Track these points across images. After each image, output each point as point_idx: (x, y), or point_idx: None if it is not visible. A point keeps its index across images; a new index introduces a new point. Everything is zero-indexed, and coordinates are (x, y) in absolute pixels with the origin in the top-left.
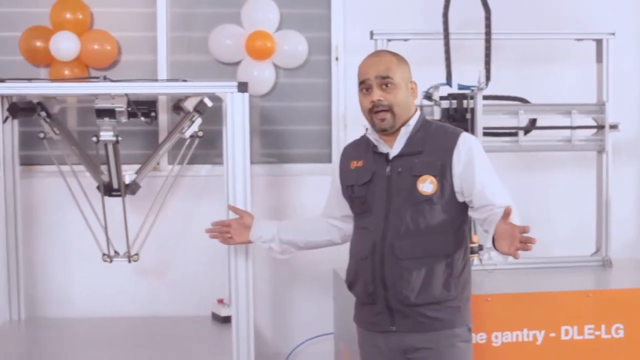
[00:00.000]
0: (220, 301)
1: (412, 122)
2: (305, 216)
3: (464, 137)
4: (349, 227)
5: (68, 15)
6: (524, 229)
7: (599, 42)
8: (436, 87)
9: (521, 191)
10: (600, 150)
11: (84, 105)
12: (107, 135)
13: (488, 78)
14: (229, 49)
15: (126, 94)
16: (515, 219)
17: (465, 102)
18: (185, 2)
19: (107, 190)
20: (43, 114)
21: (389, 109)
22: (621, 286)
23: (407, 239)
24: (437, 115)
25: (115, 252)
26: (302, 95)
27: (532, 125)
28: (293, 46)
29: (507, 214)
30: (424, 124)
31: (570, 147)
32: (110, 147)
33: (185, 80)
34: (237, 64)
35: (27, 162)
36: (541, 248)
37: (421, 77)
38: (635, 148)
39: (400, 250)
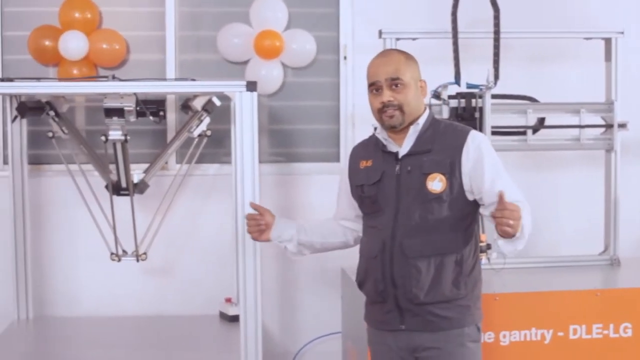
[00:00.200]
0: (228, 300)
1: (421, 121)
2: (316, 216)
3: (473, 135)
4: (361, 228)
5: (77, 15)
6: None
7: (607, 41)
8: (445, 86)
9: (529, 190)
10: (609, 149)
11: (93, 104)
12: (115, 134)
13: (496, 77)
14: (238, 48)
15: (135, 93)
16: (526, 217)
17: (473, 101)
18: (193, 1)
19: (116, 189)
20: (52, 113)
21: (399, 108)
22: (629, 285)
23: (416, 238)
24: (445, 114)
25: (124, 251)
26: (310, 95)
27: (540, 124)
28: (301, 45)
29: (501, 198)
30: (433, 123)
31: (579, 146)
32: (118, 146)
33: (193, 80)
34: (245, 63)
35: (36, 161)
36: (549, 247)
37: (430, 76)
38: None
39: (410, 249)
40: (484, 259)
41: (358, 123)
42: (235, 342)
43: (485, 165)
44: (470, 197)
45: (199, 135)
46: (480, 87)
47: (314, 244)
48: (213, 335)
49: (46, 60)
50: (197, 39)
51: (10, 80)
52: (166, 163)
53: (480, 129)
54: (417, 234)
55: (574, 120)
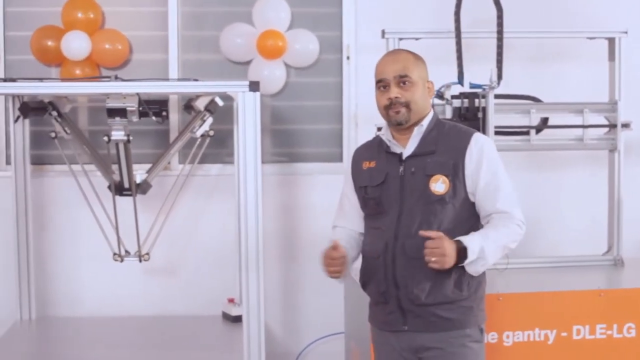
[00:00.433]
0: (231, 300)
1: (426, 122)
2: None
3: (476, 137)
4: None
5: (79, 15)
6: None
7: (611, 41)
8: (448, 86)
9: (533, 190)
10: (612, 149)
11: (95, 104)
12: (118, 134)
13: (500, 77)
14: (240, 48)
15: (137, 94)
16: (492, 238)
17: (476, 101)
18: (196, 1)
19: (118, 189)
20: (54, 113)
21: (406, 105)
22: (633, 285)
23: (418, 238)
24: (448, 114)
25: (126, 251)
26: (313, 94)
27: (543, 124)
28: (304, 45)
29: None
30: (437, 124)
31: (582, 146)
32: (121, 147)
33: (196, 80)
34: (248, 63)
35: (38, 161)
36: (553, 247)
37: (433, 76)
38: None
39: (412, 250)
40: None
41: (361, 123)
42: (238, 343)
43: (483, 165)
44: (472, 199)
45: (202, 136)
46: (484, 87)
47: (352, 259)
48: (216, 335)
49: (49, 60)
50: (199, 39)
51: (13, 80)
52: (169, 163)
53: (484, 129)
54: (420, 235)
55: (577, 120)
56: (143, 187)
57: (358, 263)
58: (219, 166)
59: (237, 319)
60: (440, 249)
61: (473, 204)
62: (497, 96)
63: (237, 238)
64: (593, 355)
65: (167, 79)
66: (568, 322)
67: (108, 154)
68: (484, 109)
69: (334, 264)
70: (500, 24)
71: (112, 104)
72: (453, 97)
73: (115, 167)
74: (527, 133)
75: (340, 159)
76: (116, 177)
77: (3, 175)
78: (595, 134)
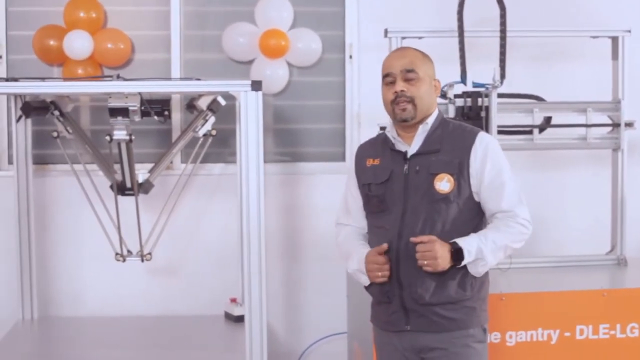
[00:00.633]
0: (233, 300)
1: (431, 121)
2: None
3: (481, 137)
4: None
5: (82, 14)
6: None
7: (614, 40)
8: (451, 85)
9: (536, 190)
10: (616, 148)
11: (98, 104)
12: (120, 134)
13: (503, 76)
14: (243, 47)
15: (139, 93)
16: (491, 239)
17: (479, 100)
18: (198, 1)
19: (120, 189)
20: (56, 112)
21: (411, 101)
22: (636, 285)
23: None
24: (451, 113)
25: (128, 251)
26: (315, 94)
27: (547, 123)
28: (307, 44)
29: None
30: (442, 123)
31: (586, 145)
32: (123, 146)
33: (198, 79)
34: (250, 62)
35: (40, 161)
36: (556, 247)
37: (436, 75)
38: None
39: (416, 249)
40: None
41: (364, 122)
42: (240, 343)
43: (487, 164)
44: (477, 199)
45: (204, 135)
46: (487, 86)
47: None
48: (218, 335)
49: (51, 59)
50: (202, 38)
51: (15, 80)
52: (171, 163)
53: (487, 129)
54: (424, 234)
55: (580, 119)
56: (145, 187)
57: None
58: (221, 166)
59: (240, 319)
60: (431, 252)
61: (478, 204)
62: (500, 95)
63: (240, 238)
64: (596, 355)
65: (169, 79)
66: (571, 322)
67: (110, 154)
68: (487, 108)
69: (383, 269)
70: (503, 23)
71: (114, 103)
72: (456, 96)
73: (117, 166)
74: (530, 132)
75: (342, 158)
76: (118, 177)
77: (5, 175)
78: (598, 133)
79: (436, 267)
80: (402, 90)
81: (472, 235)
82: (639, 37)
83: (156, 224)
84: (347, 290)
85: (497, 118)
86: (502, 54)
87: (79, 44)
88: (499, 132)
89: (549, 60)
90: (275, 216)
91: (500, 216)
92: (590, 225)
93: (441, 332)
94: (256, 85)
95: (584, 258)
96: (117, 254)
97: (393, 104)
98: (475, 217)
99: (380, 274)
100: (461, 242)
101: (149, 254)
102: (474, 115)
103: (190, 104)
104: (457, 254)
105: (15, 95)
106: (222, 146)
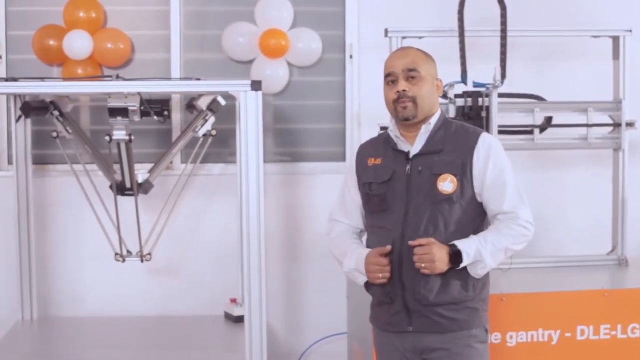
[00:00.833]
0: (233, 301)
1: (433, 121)
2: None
3: (484, 138)
4: None
5: (81, 14)
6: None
7: (615, 39)
8: (451, 85)
9: (536, 190)
10: (617, 149)
11: (97, 104)
12: (120, 134)
13: (503, 76)
14: (243, 47)
15: (139, 93)
16: (490, 241)
17: (480, 100)
18: (198, 1)
19: (120, 189)
20: (56, 113)
21: (413, 100)
22: (638, 286)
23: (426, 238)
24: (452, 113)
25: (128, 251)
26: (316, 94)
27: (548, 123)
28: (307, 44)
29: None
30: (445, 123)
31: (587, 145)
32: (123, 146)
33: (198, 79)
34: (251, 62)
35: (40, 161)
36: (556, 247)
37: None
38: None
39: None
40: None
41: (364, 122)
42: (240, 343)
43: (490, 166)
44: (479, 200)
45: (204, 135)
46: (487, 86)
47: None
48: (218, 336)
49: (51, 60)
50: (202, 38)
51: (15, 80)
52: (171, 163)
53: (487, 129)
54: (427, 234)
55: (581, 119)
56: (145, 187)
57: None
58: (221, 166)
59: (240, 320)
60: (429, 255)
61: (480, 205)
62: (501, 95)
63: (240, 238)
64: (597, 356)
65: (169, 79)
66: (572, 323)
67: (110, 154)
68: (488, 108)
69: (384, 270)
70: (504, 23)
71: (114, 103)
72: (457, 96)
73: (117, 167)
74: (531, 132)
75: (343, 158)
76: (118, 177)
77: (5, 175)
78: (599, 133)
79: (434, 270)
80: (404, 90)
81: (472, 238)
82: None
83: (156, 225)
84: (347, 291)
85: (498, 118)
86: (503, 53)
87: (79, 44)
88: (500, 132)
89: (550, 60)
90: (276, 216)
91: (502, 218)
92: (590, 225)
93: (444, 333)
94: (256, 86)
95: (585, 258)
96: (116, 254)
97: (395, 103)
98: (477, 218)
99: (381, 275)
100: (460, 244)
101: (149, 254)
102: (474, 115)
103: (190, 104)
104: (455, 256)
105: (15, 96)
106: (222, 146)
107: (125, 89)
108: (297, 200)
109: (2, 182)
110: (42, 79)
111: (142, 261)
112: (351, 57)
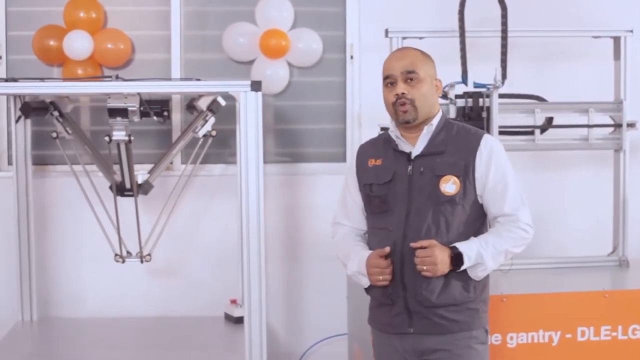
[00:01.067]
0: (233, 301)
1: (435, 122)
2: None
3: (486, 139)
4: None
5: (82, 14)
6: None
7: (616, 40)
8: (452, 86)
9: (537, 190)
10: (618, 149)
11: (97, 104)
12: (119, 134)
13: (504, 76)
14: (243, 48)
15: (139, 93)
16: (492, 244)
17: (480, 100)
18: (199, 1)
19: (120, 190)
20: (56, 113)
21: (412, 102)
22: (638, 286)
23: (427, 239)
24: (452, 113)
25: (128, 252)
26: (316, 94)
27: (548, 123)
28: (307, 44)
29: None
30: (446, 124)
31: (587, 145)
32: (122, 147)
33: (198, 79)
34: (251, 62)
35: (40, 161)
36: (557, 248)
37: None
38: None
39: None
40: None
41: (364, 123)
42: (240, 344)
43: (492, 168)
44: (481, 201)
45: (204, 136)
46: (488, 86)
47: None
48: (218, 336)
49: (51, 60)
50: (202, 38)
51: (15, 80)
52: (171, 163)
53: (488, 129)
54: (429, 235)
55: (582, 119)
56: (145, 188)
57: None
58: (221, 166)
59: (239, 320)
60: (431, 258)
61: (481, 206)
62: (501, 95)
63: (240, 239)
64: (598, 357)
65: (169, 79)
66: (572, 324)
67: (109, 154)
68: (488, 109)
69: (384, 272)
70: (504, 23)
71: (113, 104)
72: (457, 96)
73: (116, 167)
74: (532, 133)
75: (343, 159)
76: (118, 178)
77: (4, 176)
78: (600, 133)
79: (435, 272)
80: (402, 93)
81: (473, 240)
82: None
83: (156, 225)
84: (348, 292)
85: (499, 118)
86: (504, 54)
87: (78, 44)
88: (501, 133)
89: (551, 61)
90: (276, 217)
91: (502, 220)
92: (591, 226)
93: (444, 334)
94: (256, 86)
95: (585, 259)
96: (116, 254)
97: (395, 106)
98: (478, 219)
99: (381, 277)
100: (461, 246)
101: (149, 255)
102: (475, 115)
103: (190, 105)
104: (456, 258)
105: (15, 96)
106: (222, 147)
107: (125, 89)
108: (297, 200)
109: (2, 183)
110: (42, 79)
111: (141, 262)
112: (351, 57)
